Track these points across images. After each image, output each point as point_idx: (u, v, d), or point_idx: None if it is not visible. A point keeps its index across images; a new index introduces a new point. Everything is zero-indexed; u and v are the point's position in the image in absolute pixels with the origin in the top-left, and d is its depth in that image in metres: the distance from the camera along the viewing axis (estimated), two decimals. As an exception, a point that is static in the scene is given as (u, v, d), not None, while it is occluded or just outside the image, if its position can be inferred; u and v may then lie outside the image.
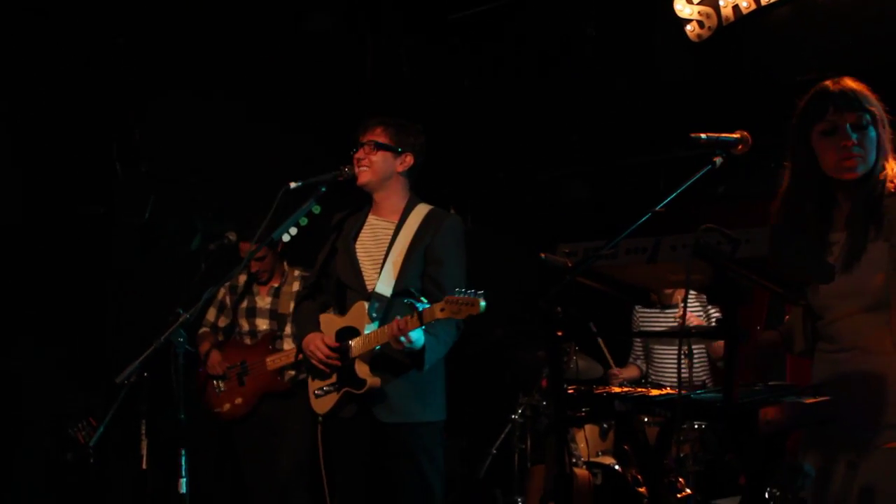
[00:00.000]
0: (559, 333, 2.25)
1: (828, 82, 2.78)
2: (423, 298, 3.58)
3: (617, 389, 2.74)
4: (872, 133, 2.74)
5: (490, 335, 6.11)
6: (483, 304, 3.43)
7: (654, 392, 2.73)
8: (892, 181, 2.75)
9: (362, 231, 4.05)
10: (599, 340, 5.70)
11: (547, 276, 2.44)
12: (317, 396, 3.99)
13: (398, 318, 3.60)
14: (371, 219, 4.07)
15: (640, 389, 2.82)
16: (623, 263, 2.47)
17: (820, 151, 2.78)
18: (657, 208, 2.45)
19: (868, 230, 2.73)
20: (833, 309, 2.79)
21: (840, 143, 2.72)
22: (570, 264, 2.44)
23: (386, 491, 3.93)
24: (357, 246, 4.02)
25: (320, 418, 4.02)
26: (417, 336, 3.60)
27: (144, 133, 6.02)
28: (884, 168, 2.76)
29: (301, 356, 4.03)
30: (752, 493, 2.44)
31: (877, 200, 2.73)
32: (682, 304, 5.74)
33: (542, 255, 2.48)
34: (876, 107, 2.76)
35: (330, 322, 3.98)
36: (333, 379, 3.92)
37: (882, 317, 2.69)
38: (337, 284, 4.04)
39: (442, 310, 3.48)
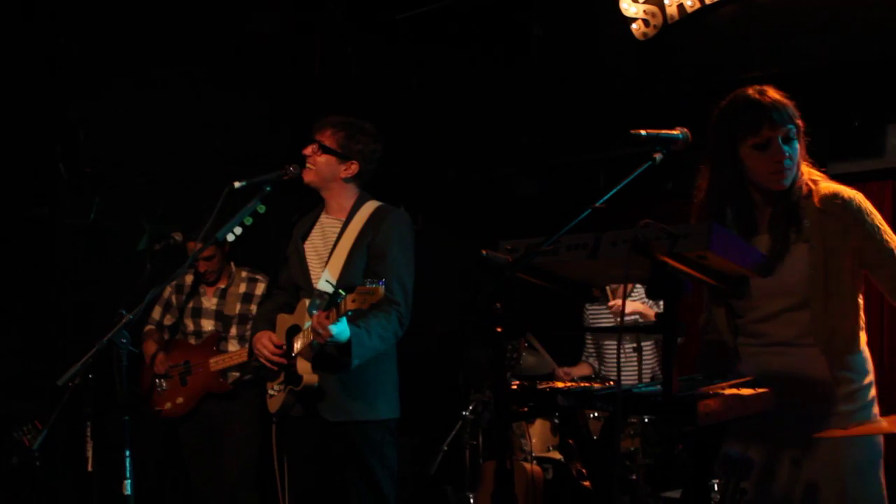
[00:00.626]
0: (499, 330, 2.26)
1: (754, 94, 2.85)
2: (341, 291, 3.55)
3: (560, 384, 2.75)
4: (796, 144, 2.85)
5: (432, 331, 6.11)
6: (382, 290, 3.40)
7: (597, 386, 2.75)
8: (806, 184, 2.87)
9: (312, 230, 4.06)
10: (536, 343, 5.72)
11: (489, 273, 2.44)
12: (270, 396, 3.99)
13: (315, 312, 3.58)
14: (322, 218, 4.08)
15: (583, 384, 2.84)
16: (564, 259, 2.49)
17: (750, 163, 2.86)
18: (597, 204, 2.47)
19: (789, 233, 2.84)
20: (759, 308, 2.90)
21: (773, 158, 2.82)
22: (510, 260, 2.45)
23: (336, 490, 3.93)
24: (306, 245, 4.03)
25: (274, 418, 4.01)
26: (339, 329, 3.55)
27: (88, 134, 5.95)
28: (801, 174, 2.88)
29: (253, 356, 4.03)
30: (694, 483, 2.47)
31: (796, 204, 2.85)
32: (626, 300, 5.79)
33: (484, 252, 2.49)
34: (798, 118, 2.87)
35: (283, 322, 4.00)
36: (282, 378, 3.92)
37: (805, 315, 2.82)
38: (294, 285, 4.05)
39: (353, 300, 3.44)
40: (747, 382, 2.57)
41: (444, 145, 7.01)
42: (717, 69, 5.82)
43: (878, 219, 2.84)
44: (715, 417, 2.36)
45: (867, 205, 2.85)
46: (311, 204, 4.20)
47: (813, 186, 2.87)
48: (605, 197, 2.50)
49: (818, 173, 2.93)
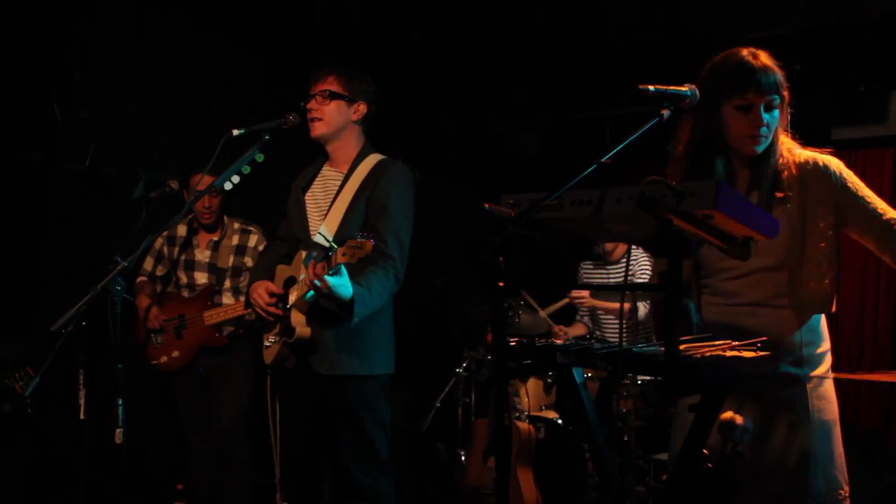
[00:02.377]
0: (501, 284, 2.22)
1: (747, 55, 2.85)
2: (333, 244, 3.51)
3: (559, 342, 2.72)
4: (777, 114, 2.87)
5: (430, 285, 6.09)
6: (371, 245, 3.38)
7: (597, 344, 2.73)
8: (783, 151, 2.90)
9: (314, 182, 4.02)
10: (531, 301, 5.69)
11: (491, 227, 2.41)
12: (266, 347, 3.98)
13: (312, 262, 3.55)
14: (324, 170, 4.04)
15: (582, 343, 2.81)
16: (567, 215, 2.45)
17: (729, 122, 2.87)
18: (603, 160, 2.43)
19: (772, 196, 2.87)
20: (733, 268, 2.92)
21: (752, 122, 2.84)
22: (513, 215, 2.41)
23: (329, 444, 3.92)
24: (307, 197, 3.99)
25: (269, 370, 4.00)
26: (336, 283, 3.50)
27: (85, 77, 5.87)
28: (779, 142, 2.90)
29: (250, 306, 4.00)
30: (690, 446, 2.45)
31: (774, 169, 2.88)
32: (625, 260, 5.76)
33: (486, 206, 2.45)
34: (786, 88, 2.88)
35: (281, 272, 3.97)
36: (277, 329, 3.89)
37: (781, 276, 2.87)
38: (294, 237, 4.02)
39: (343, 254, 3.41)
40: (748, 345, 2.54)
41: (444, 99, 6.94)
42: (725, 27, 5.75)
43: (856, 181, 2.89)
44: (716, 380, 2.33)
45: (844, 168, 2.89)
46: (307, 155, 4.15)
47: (790, 154, 2.91)
48: (612, 153, 2.46)
49: (794, 143, 2.96)
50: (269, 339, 3.94)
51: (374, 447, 3.86)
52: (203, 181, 4.59)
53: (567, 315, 6.27)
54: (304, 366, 3.84)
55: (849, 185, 2.86)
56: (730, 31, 5.66)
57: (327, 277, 3.46)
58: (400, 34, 6.77)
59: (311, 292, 3.64)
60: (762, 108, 2.82)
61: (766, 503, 2.81)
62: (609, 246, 5.87)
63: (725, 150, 2.93)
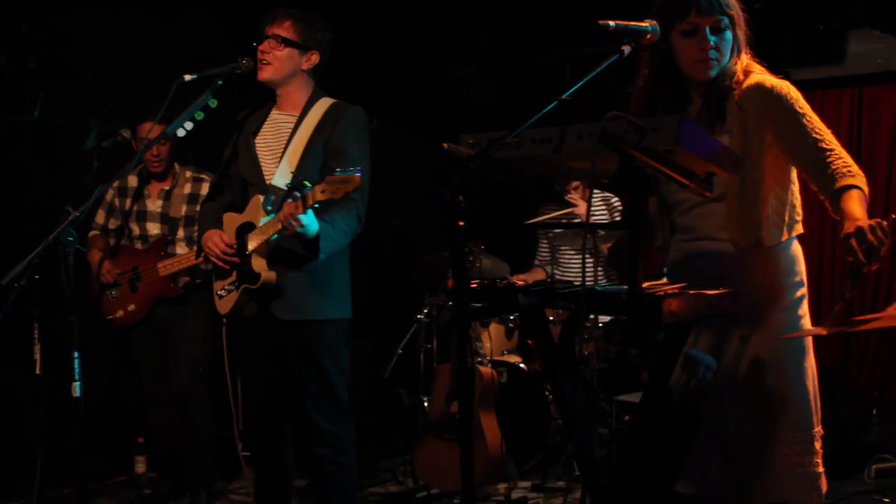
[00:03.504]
0: (460, 223, 2.18)
1: None
2: (307, 183, 3.45)
3: (521, 283, 2.69)
4: (728, 35, 2.82)
5: (389, 226, 6.05)
6: (359, 178, 3.32)
7: (559, 285, 2.71)
8: (736, 75, 2.85)
9: (263, 126, 3.93)
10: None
11: (449, 167, 2.36)
12: (219, 297, 3.91)
13: (288, 202, 3.49)
14: (273, 114, 3.94)
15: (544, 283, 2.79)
16: (528, 154, 2.42)
17: (678, 50, 2.84)
18: (563, 96, 2.38)
19: (714, 125, 2.82)
20: (688, 199, 2.90)
21: (699, 46, 2.79)
22: (472, 154, 2.36)
23: (290, 391, 3.89)
24: (257, 141, 3.90)
25: (224, 319, 3.93)
26: (308, 221, 3.47)
27: (32, 26, 5.72)
28: (734, 66, 2.85)
29: (203, 256, 3.91)
30: (654, 383, 2.44)
31: (723, 96, 2.83)
32: (585, 202, 5.74)
33: (445, 146, 2.41)
34: (735, 9, 2.84)
35: (231, 220, 3.88)
36: (233, 277, 3.83)
37: (721, 207, 2.84)
38: (241, 182, 3.93)
39: (323, 191, 3.35)
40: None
41: (400, 43, 6.85)
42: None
43: (802, 106, 2.80)
44: (679, 317, 2.32)
45: (792, 92, 2.82)
46: (259, 100, 4.07)
47: (742, 78, 2.85)
48: (572, 89, 2.41)
49: (757, 66, 2.91)
50: (225, 288, 3.87)
51: (335, 392, 3.84)
52: (153, 129, 4.49)
53: (523, 265, 6.27)
54: (264, 312, 3.79)
55: (790, 108, 2.78)
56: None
57: (301, 216, 3.43)
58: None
59: (275, 235, 3.59)
60: (708, 31, 2.78)
61: (729, 433, 2.79)
62: (573, 183, 5.83)
63: (681, 80, 2.89)
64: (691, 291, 2.43)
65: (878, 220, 2.38)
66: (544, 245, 6.22)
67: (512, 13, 6.46)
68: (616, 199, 5.92)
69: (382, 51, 6.85)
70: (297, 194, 3.43)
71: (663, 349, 2.40)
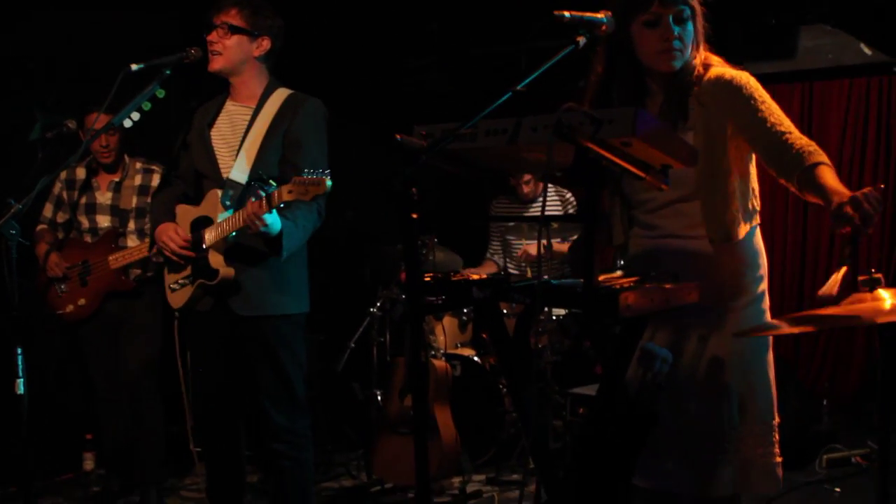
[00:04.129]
0: (413, 216, 2.15)
1: None
2: (272, 181, 3.41)
3: (475, 276, 2.66)
4: (690, 27, 2.80)
5: (341, 219, 5.99)
6: (329, 182, 3.28)
7: (514, 279, 2.68)
8: (697, 69, 2.83)
9: (219, 117, 3.85)
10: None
11: (402, 158, 2.32)
12: (172, 290, 3.83)
13: (252, 200, 3.44)
14: (228, 104, 3.86)
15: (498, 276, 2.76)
16: (482, 145, 2.38)
17: (640, 41, 2.81)
18: (518, 87, 2.34)
19: (676, 122, 2.80)
20: (654, 199, 2.88)
21: (662, 36, 2.77)
22: (425, 145, 2.32)
23: (245, 385, 3.83)
24: (213, 133, 3.82)
25: (177, 313, 3.86)
26: (272, 220, 3.43)
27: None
28: (694, 59, 2.83)
29: (156, 249, 3.84)
30: (611, 378, 2.42)
31: (685, 92, 2.81)
32: (541, 197, 5.75)
33: (398, 137, 2.36)
34: (695, 0, 2.81)
35: (185, 213, 3.81)
36: (188, 271, 3.76)
37: (695, 206, 2.82)
38: (194, 174, 3.85)
39: (290, 192, 3.31)
40: (667, 276, 2.51)
41: (353, 33, 6.79)
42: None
43: (761, 94, 2.79)
44: (636, 310, 2.30)
45: (752, 82, 2.80)
46: (211, 90, 4.00)
47: (702, 72, 2.83)
48: (526, 80, 2.37)
49: (716, 58, 2.89)
50: (178, 282, 3.80)
51: (292, 387, 3.79)
52: (100, 120, 4.40)
53: (475, 259, 6.27)
54: (220, 307, 3.73)
55: (748, 96, 2.76)
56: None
57: (265, 216, 3.38)
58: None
59: (235, 233, 3.54)
60: (671, 20, 2.75)
61: (687, 428, 2.79)
62: (526, 189, 5.81)
63: (641, 72, 2.87)
64: (648, 285, 2.41)
65: (869, 188, 2.36)
66: (495, 239, 6.22)
67: (465, 3, 6.42)
68: (570, 193, 5.93)
69: (334, 40, 6.79)
70: (262, 193, 3.38)
71: (619, 343, 2.38)
